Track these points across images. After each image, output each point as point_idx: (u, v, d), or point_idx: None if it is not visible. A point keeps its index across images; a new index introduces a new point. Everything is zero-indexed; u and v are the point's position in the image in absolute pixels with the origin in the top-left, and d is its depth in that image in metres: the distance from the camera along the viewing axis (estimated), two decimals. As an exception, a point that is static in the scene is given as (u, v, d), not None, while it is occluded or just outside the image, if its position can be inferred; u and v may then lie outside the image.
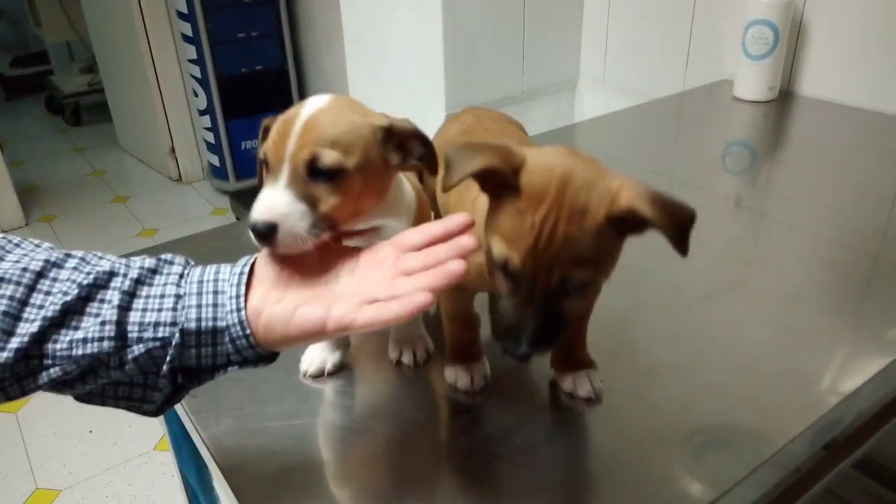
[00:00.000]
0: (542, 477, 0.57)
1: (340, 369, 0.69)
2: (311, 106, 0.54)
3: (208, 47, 2.71)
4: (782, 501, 0.73)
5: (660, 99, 1.49)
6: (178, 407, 0.66)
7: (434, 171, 0.58)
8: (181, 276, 0.50)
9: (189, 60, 2.80)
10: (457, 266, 0.48)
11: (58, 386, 0.49)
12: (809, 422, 0.61)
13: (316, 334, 0.48)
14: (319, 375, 0.68)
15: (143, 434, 1.77)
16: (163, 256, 0.52)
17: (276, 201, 0.50)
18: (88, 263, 0.50)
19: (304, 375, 0.68)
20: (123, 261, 0.51)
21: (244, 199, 2.87)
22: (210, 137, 2.95)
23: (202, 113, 2.90)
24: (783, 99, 1.38)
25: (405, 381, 0.68)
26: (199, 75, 2.79)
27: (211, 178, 3.12)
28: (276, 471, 0.58)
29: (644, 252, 0.91)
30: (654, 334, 0.74)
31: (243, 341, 0.49)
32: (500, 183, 0.50)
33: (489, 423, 0.62)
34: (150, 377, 0.51)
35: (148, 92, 3.02)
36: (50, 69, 4.19)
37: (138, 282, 0.49)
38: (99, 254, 0.51)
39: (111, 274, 0.49)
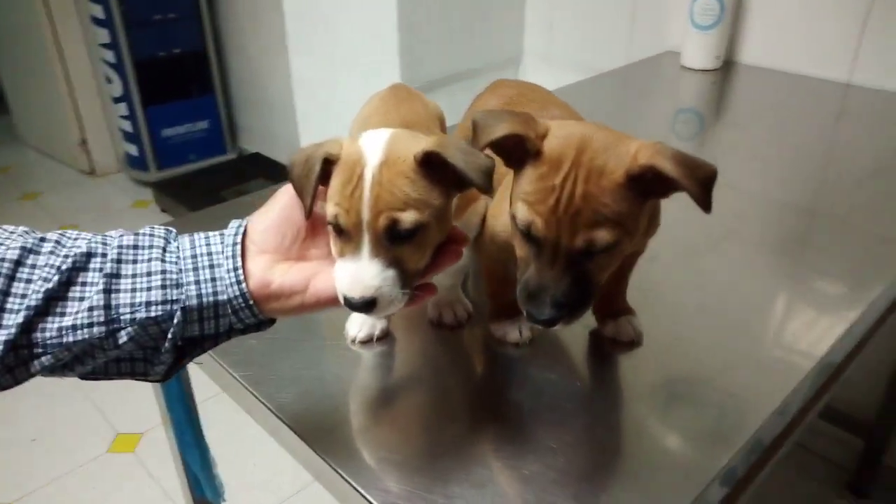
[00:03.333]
0: (588, 418, 0.60)
1: (387, 335, 0.69)
2: (372, 158, 0.49)
3: (123, 30, 2.57)
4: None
5: (607, 72, 1.54)
6: (233, 383, 0.65)
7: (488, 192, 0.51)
8: (164, 249, 0.50)
9: (101, 45, 2.63)
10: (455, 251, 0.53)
11: (55, 371, 0.49)
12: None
13: (332, 303, 0.51)
14: (368, 341, 0.68)
15: (93, 437, 1.68)
16: (140, 230, 0.51)
17: (366, 275, 0.49)
18: (64, 246, 0.49)
19: (354, 342, 0.68)
20: (99, 238, 0.50)
21: (168, 189, 2.74)
22: (127, 126, 2.79)
23: (117, 100, 2.75)
24: (727, 67, 1.47)
25: (447, 343, 0.70)
26: (113, 60, 2.64)
27: (128, 169, 2.96)
28: (350, 432, 0.58)
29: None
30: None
31: (246, 311, 0.50)
32: (522, 150, 0.51)
33: (537, 374, 0.65)
34: (148, 351, 0.51)
35: (53, 80, 2.81)
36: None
37: (119, 261, 0.48)
38: (73, 233, 0.50)
39: (89, 255, 0.48)
